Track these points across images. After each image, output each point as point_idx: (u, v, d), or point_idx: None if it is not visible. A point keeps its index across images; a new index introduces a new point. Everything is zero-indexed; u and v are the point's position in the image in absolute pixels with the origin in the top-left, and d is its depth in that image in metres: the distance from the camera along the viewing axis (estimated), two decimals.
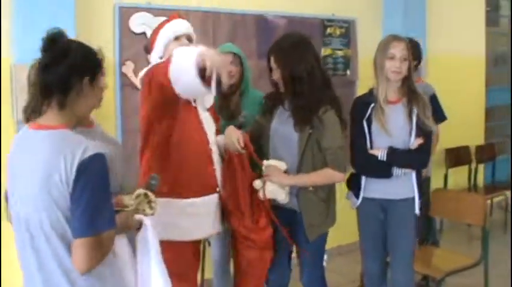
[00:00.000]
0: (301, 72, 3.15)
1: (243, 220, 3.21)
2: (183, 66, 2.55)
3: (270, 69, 3.29)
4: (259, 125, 3.37)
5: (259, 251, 3.25)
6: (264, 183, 3.18)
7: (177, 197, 2.97)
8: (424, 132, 3.35)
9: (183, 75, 2.56)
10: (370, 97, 3.42)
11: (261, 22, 4.95)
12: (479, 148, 6.84)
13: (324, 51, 5.34)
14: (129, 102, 4.21)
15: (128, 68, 4.29)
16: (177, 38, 3.01)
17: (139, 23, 4.31)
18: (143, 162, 3.04)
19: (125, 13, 4.25)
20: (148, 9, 4.34)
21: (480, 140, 7.06)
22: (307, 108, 3.18)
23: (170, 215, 2.93)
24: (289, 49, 3.21)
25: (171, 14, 4.29)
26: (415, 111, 3.34)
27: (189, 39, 3.06)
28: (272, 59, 3.22)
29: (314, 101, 3.19)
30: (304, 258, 3.40)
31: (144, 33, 4.30)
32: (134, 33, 4.30)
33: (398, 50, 3.30)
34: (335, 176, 3.22)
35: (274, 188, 3.17)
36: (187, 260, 3.11)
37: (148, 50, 3.20)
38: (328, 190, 3.32)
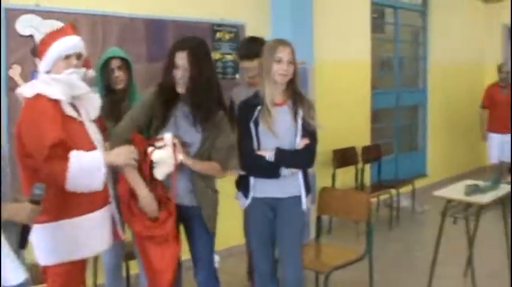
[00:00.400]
0: (209, 73, 3.23)
1: (143, 221, 3.22)
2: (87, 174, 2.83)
3: (171, 67, 3.26)
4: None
5: (165, 245, 3.25)
6: (154, 149, 3.19)
7: (68, 217, 2.89)
8: (309, 132, 3.48)
9: (86, 179, 2.83)
10: (256, 100, 3.50)
11: (151, 26, 4.94)
12: (365, 149, 7.12)
13: (214, 56, 5.40)
14: (16, 107, 4.07)
15: (15, 72, 4.16)
16: (67, 57, 2.96)
17: (27, 25, 4.19)
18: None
19: (11, 15, 4.12)
20: (36, 12, 4.22)
21: (366, 141, 7.36)
22: (206, 108, 3.24)
23: (64, 235, 2.88)
24: (201, 48, 3.27)
25: (59, 16, 4.25)
26: (300, 112, 3.45)
27: (79, 57, 3.02)
28: (185, 56, 3.20)
29: (212, 103, 3.26)
30: (200, 255, 3.46)
31: (31, 36, 4.19)
32: (21, 35, 4.18)
33: (285, 53, 3.41)
34: (220, 171, 3.38)
35: (164, 154, 3.18)
36: (79, 278, 3.07)
37: (35, 53, 3.13)
38: (215, 183, 3.47)
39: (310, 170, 3.75)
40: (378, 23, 7.91)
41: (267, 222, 3.57)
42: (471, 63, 9.93)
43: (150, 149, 3.20)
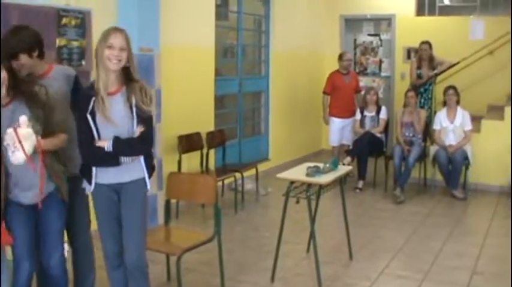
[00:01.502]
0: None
1: None
2: None
3: None
4: None
5: None
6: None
7: None
8: (143, 119, 3.48)
9: None
10: (91, 90, 3.45)
11: None
12: (210, 134, 7.22)
13: (59, 42, 5.20)
14: None
15: None
16: None
17: None
18: None
19: None
20: None
21: (211, 127, 7.46)
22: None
23: None
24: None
25: None
26: (133, 100, 3.45)
27: None
28: None
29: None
30: (49, 238, 3.52)
31: None
32: None
33: (117, 40, 3.38)
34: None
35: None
36: None
37: None
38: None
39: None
40: (222, 11, 8.02)
41: (113, 204, 3.57)
42: (311, 51, 10.40)
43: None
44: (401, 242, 5.89)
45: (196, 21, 7.09)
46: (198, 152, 7.00)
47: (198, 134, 7.01)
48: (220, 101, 7.95)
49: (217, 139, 7.36)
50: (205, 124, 7.32)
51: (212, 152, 7.33)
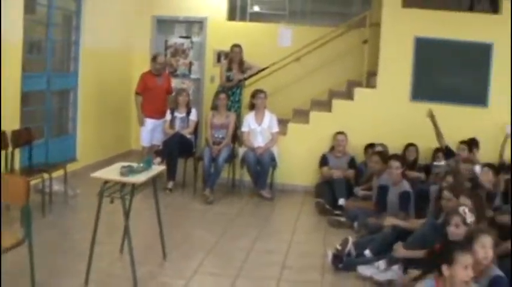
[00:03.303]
0: None
1: None
2: None
3: None
4: None
5: None
6: None
7: None
8: None
9: None
10: None
11: None
12: (15, 133, 6.82)
13: None
14: None
15: None
16: None
17: None
18: None
19: None
20: None
21: (16, 125, 7.05)
22: None
23: None
24: None
25: None
26: None
27: None
28: None
29: None
30: None
31: None
32: None
33: None
34: None
35: None
36: None
37: None
38: None
39: None
40: (30, 4, 7.59)
41: None
42: (122, 50, 10.26)
43: None
44: (213, 241, 6.03)
45: (2, 13, 6.65)
46: (3, 152, 6.57)
47: (2, 132, 6.59)
48: (26, 98, 7.52)
49: (23, 138, 6.96)
50: (10, 122, 6.88)
51: (17, 151, 6.93)
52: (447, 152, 7.89)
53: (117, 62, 10.02)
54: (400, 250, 5.20)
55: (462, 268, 3.58)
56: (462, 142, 7.83)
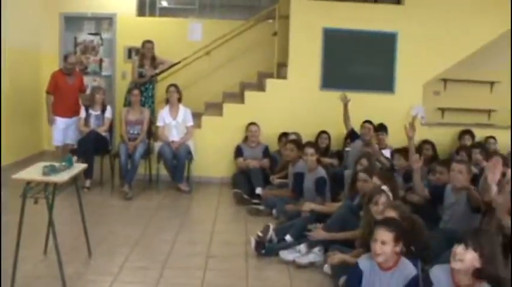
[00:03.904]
0: None
1: None
2: None
3: None
4: None
5: None
6: None
7: None
8: None
9: None
10: None
11: None
12: None
13: None
14: None
15: None
16: None
17: None
18: None
19: None
20: None
21: None
22: None
23: None
24: None
25: None
26: None
27: None
28: None
29: None
30: None
31: None
32: None
33: None
34: None
35: None
36: None
37: None
38: None
39: None
40: None
41: None
42: (31, 49, 10.02)
43: None
44: (137, 235, 6.08)
45: None
46: None
47: None
48: None
49: None
50: None
51: None
52: (352, 135, 8.26)
53: (26, 61, 9.78)
54: (320, 232, 5.45)
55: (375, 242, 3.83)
56: (366, 121, 8.20)
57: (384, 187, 5.01)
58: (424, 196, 5.78)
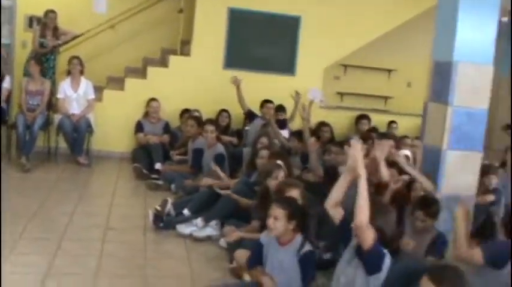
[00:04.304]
0: None
1: None
2: None
3: None
4: None
5: None
6: None
7: None
8: None
9: None
10: None
11: None
12: None
13: None
14: None
15: None
16: None
17: None
18: None
19: None
20: None
21: None
22: None
23: None
24: None
25: None
26: None
27: None
28: None
29: None
30: None
31: None
32: None
33: None
34: None
35: None
36: None
37: None
38: None
39: None
40: None
41: None
42: None
43: None
44: (35, 207, 6.07)
45: None
46: None
47: None
48: None
49: None
50: None
51: None
52: (250, 115, 8.54)
53: None
54: (232, 235, 5.14)
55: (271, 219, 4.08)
56: (266, 101, 8.52)
57: (280, 162, 5.34)
58: (319, 174, 6.13)
